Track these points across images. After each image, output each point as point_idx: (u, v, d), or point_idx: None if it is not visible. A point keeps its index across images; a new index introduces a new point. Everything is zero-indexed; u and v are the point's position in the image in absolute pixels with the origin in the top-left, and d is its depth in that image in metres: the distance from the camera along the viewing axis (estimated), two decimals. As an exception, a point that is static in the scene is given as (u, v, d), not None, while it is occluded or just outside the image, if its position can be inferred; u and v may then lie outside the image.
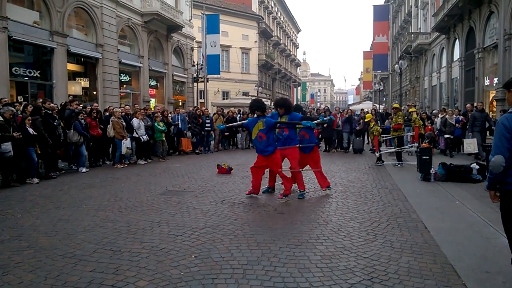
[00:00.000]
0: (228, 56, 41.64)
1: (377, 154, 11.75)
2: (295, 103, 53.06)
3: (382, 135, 12.56)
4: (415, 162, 10.40)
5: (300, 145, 7.42)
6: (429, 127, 14.49)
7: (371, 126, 12.10)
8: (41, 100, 10.85)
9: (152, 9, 21.67)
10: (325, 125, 14.03)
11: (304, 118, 7.46)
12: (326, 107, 21.35)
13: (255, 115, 7.27)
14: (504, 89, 3.32)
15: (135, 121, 12.03)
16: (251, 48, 44.23)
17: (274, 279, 3.67)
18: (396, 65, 30.53)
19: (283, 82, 62.47)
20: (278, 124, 7.20)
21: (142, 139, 12.10)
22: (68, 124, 10.53)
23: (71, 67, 17.32)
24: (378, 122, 14.56)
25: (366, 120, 12.72)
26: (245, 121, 8.47)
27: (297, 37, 74.38)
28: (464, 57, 22.41)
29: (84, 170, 10.47)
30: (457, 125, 13.78)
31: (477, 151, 11.66)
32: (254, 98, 16.71)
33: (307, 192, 7.48)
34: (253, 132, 7.19)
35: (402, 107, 17.66)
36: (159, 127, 12.80)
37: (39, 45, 15.14)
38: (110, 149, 12.23)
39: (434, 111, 17.69)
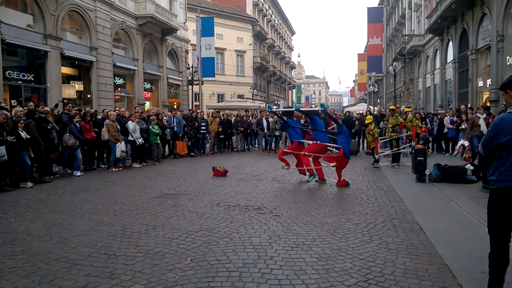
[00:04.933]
0: (223, 58, 41.67)
1: (377, 157, 11.74)
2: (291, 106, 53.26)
3: (379, 137, 12.60)
4: (410, 163, 10.42)
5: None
6: (423, 128, 14.56)
7: (372, 127, 12.12)
8: (31, 103, 10.71)
9: (146, 12, 21.65)
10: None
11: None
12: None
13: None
14: (500, 90, 3.37)
15: (130, 124, 11.98)
16: (246, 50, 44.29)
17: (270, 281, 3.65)
18: (390, 67, 30.62)
19: (278, 84, 62.58)
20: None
21: (137, 142, 12.05)
22: (65, 128, 10.48)
23: (65, 70, 17.24)
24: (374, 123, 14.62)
25: (366, 122, 12.75)
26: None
27: (291, 40, 74.58)
28: (458, 59, 22.57)
29: (78, 173, 10.40)
30: (451, 126, 13.87)
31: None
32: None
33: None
34: None
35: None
36: (153, 130, 12.75)
37: (33, 48, 15.07)
38: (105, 152, 12.18)
39: (462, 107, 14.51)
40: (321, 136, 9.17)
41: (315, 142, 9.10)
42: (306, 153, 9.01)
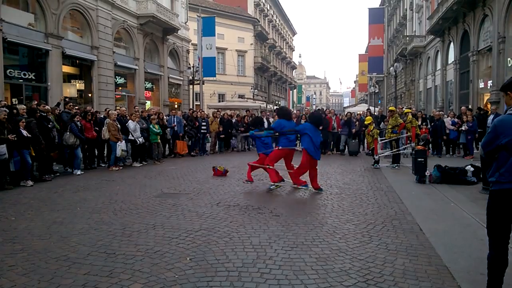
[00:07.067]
0: (224, 58, 41.68)
1: (377, 157, 11.73)
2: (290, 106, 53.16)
3: (379, 138, 12.60)
4: (410, 164, 10.42)
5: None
6: (424, 129, 14.54)
7: (371, 128, 12.12)
8: (35, 102, 10.75)
9: (147, 11, 21.67)
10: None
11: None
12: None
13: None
14: (501, 91, 3.37)
15: (131, 124, 11.98)
16: (247, 50, 44.31)
17: (270, 281, 3.65)
18: (391, 68, 30.60)
19: (279, 84, 62.57)
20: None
21: (138, 141, 12.05)
22: (66, 127, 10.49)
23: (66, 69, 17.28)
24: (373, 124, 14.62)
25: (366, 122, 12.74)
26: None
27: (292, 40, 74.58)
28: (459, 60, 22.56)
29: (79, 172, 10.41)
30: (452, 127, 13.87)
31: None
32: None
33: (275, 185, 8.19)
34: None
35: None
36: (154, 129, 12.76)
37: (34, 47, 15.10)
38: (105, 151, 12.18)
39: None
40: (284, 142, 8.24)
41: (277, 148, 8.34)
42: (270, 166, 8.17)
